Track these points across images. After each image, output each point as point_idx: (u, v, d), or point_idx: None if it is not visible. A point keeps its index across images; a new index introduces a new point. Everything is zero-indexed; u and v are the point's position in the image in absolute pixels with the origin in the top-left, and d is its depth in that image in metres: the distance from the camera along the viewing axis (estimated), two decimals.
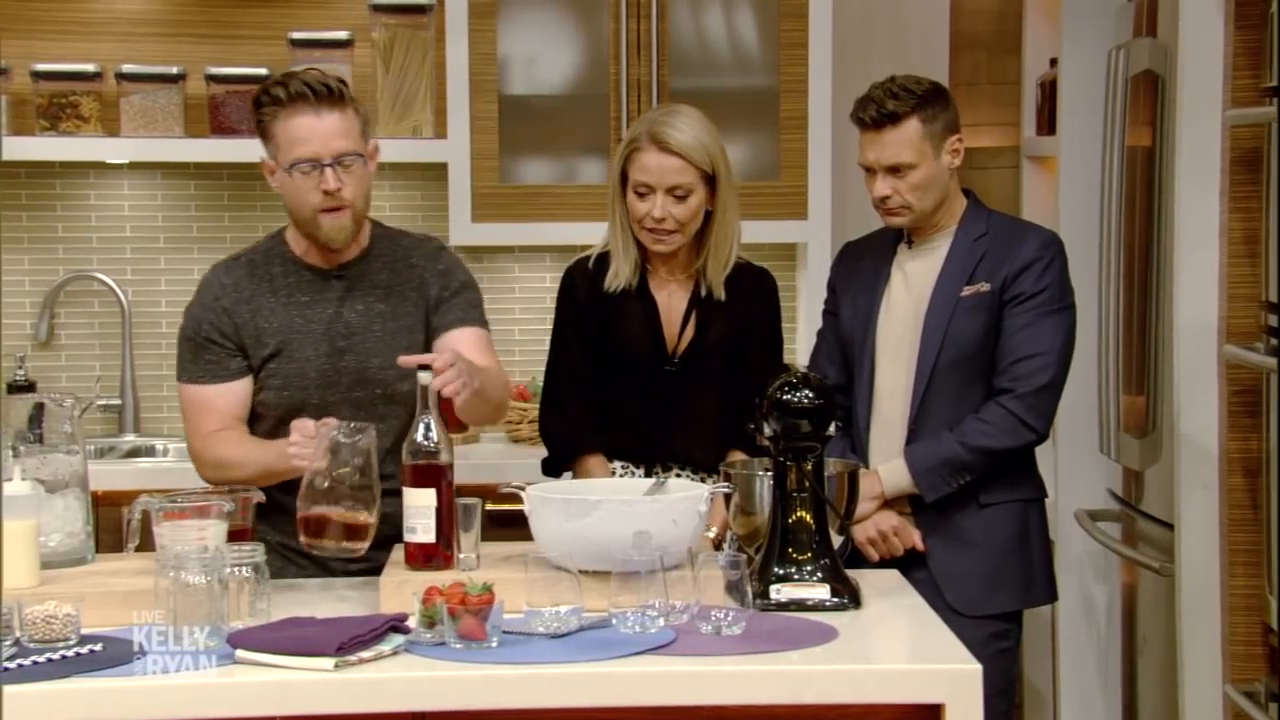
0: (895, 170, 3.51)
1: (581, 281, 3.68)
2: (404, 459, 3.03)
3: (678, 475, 3.64)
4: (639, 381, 3.65)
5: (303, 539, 3.01)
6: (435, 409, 3.04)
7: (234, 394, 3.34)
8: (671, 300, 3.67)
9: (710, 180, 3.61)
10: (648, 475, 3.63)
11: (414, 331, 3.39)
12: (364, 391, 3.36)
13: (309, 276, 3.38)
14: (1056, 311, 3.53)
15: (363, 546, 3.02)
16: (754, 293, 3.71)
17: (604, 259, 3.67)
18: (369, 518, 3.01)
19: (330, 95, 3.25)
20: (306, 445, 3.06)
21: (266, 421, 3.37)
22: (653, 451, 3.67)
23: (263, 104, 3.28)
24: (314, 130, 3.24)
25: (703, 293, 3.66)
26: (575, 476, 3.65)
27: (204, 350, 3.34)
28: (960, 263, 3.56)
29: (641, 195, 3.57)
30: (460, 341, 3.33)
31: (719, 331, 3.66)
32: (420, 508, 3.00)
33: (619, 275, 3.64)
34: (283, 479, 3.19)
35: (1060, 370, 3.54)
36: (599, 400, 3.66)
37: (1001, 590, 3.57)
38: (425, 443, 3.01)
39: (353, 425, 3.03)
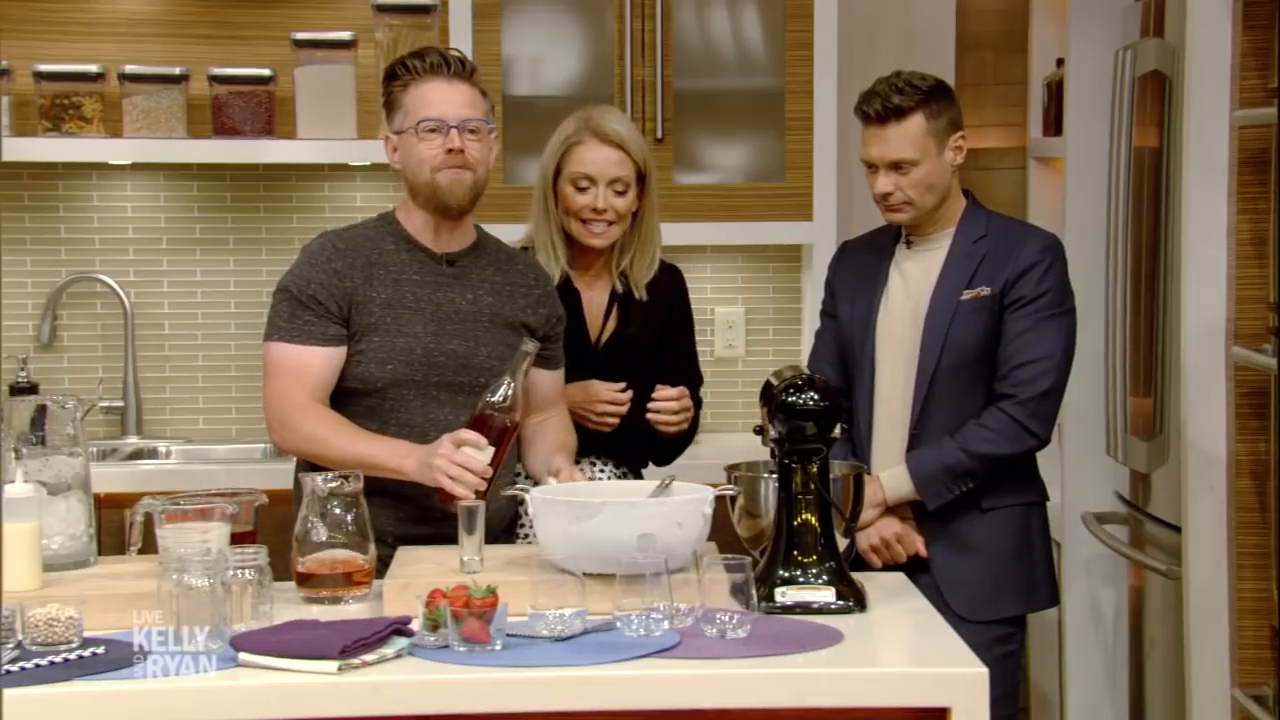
0: (897, 166, 3.50)
1: None
2: (476, 409, 3.19)
3: (596, 465, 3.72)
4: (566, 376, 3.66)
5: (302, 591, 3.00)
6: (523, 377, 3.23)
7: (326, 360, 3.30)
8: (593, 293, 3.73)
9: (640, 180, 3.66)
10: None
11: (516, 331, 3.41)
12: (467, 378, 3.36)
13: (421, 257, 3.39)
14: (1057, 315, 3.52)
15: (365, 591, 3.00)
16: (671, 290, 3.80)
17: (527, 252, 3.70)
18: (366, 563, 3.01)
19: (463, 69, 3.36)
20: (463, 474, 3.11)
21: (369, 398, 3.33)
22: (579, 442, 3.68)
23: (397, 75, 3.36)
24: (444, 95, 3.33)
25: (620, 290, 3.72)
26: None
27: (304, 309, 3.30)
28: (960, 265, 3.55)
29: (582, 189, 3.63)
30: (553, 383, 3.54)
31: (639, 326, 3.73)
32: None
33: (550, 272, 3.66)
34: (379, 475, 3.19)
35: (1061, 375, 3.53)
36: None
37: (1004, 594, 3.56)
38: (501, 400, 3.18)
39: (340, 473, 3.04)
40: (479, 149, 3.34)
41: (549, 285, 3.54)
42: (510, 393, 3.19)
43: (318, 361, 3.30)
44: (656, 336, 3.76)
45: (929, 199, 3.53)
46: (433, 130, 3.31)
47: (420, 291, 3.36)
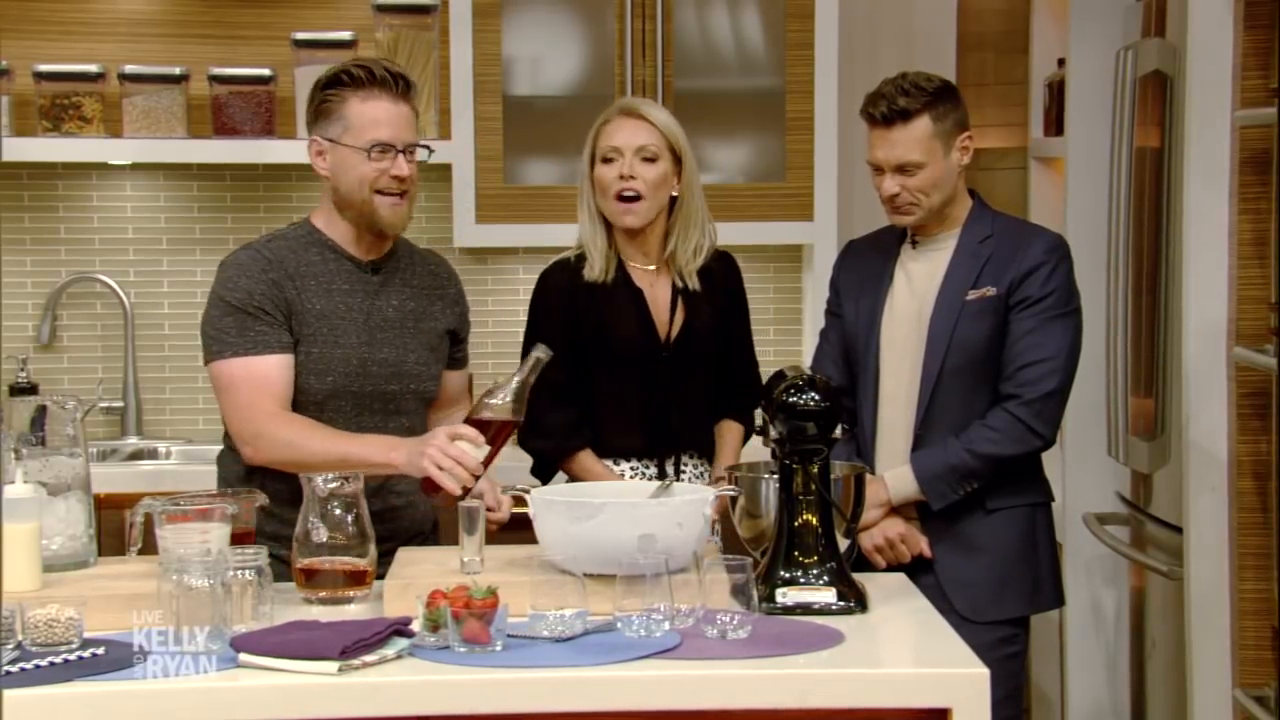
0: (904, 168, 3.49)
1: (560, 280, 3.67)
2: (474, 407, 3.14)
3: (688, 464, 3.69)
4: (638, 374, 3.66)
5: (302, 591, 3.00)
6: (525, 385, 3.15)
7: (284, 368, 3.28)
8: (656, 290, 3.69)
9: (676, 162, 3.62)
10: (660, 470, 3.66)
11: (439, 336, 3.44)
12: (399, 385, 3.37)
13: (348, 266, 3.37)
14: (1063, 316, 3.51)
15: (365, 591, 3.00)
16: (727, 277, 3.77)
17: (583, 257, 3.68)
18: (367, 564, 3.01)
19: (407, 88, 3.33)
20: (455, 468, 3.06)
21: (307, 410, 3.31)
22: (664, 444, 3.67)
23: (341, 83, 3.31)
24: (392, 115, 3.30)
25: (680, 284, 3.69)
26: (571, 478, 3.63)
27: (254, 321, 3.26)
28: (965, 265, 3.54)
29: (609, 161, 3.60)
30: (460, 381, 3.59)
31: (705, 317, 3.69)
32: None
33: (594, 266, 3.64)
34: (366, 472, 3.15)
35: (1067, 376, 3.51)
36: (581, 400, 3.65)
37: (1009, 596, 3.55)
38: (503, 402, 3.12)
39: (340, 474, 3.04)
40: (415, 174, 3.35)
41: (459, 284, 3.54)
42: (513, 396, 3.14)
43: (277, 370, 3.27)
44: (720, 326, 3.74)
45: (936, 200, 3.52)
46: (381, 152, 3.29)
47: (351, 300, 3.35)
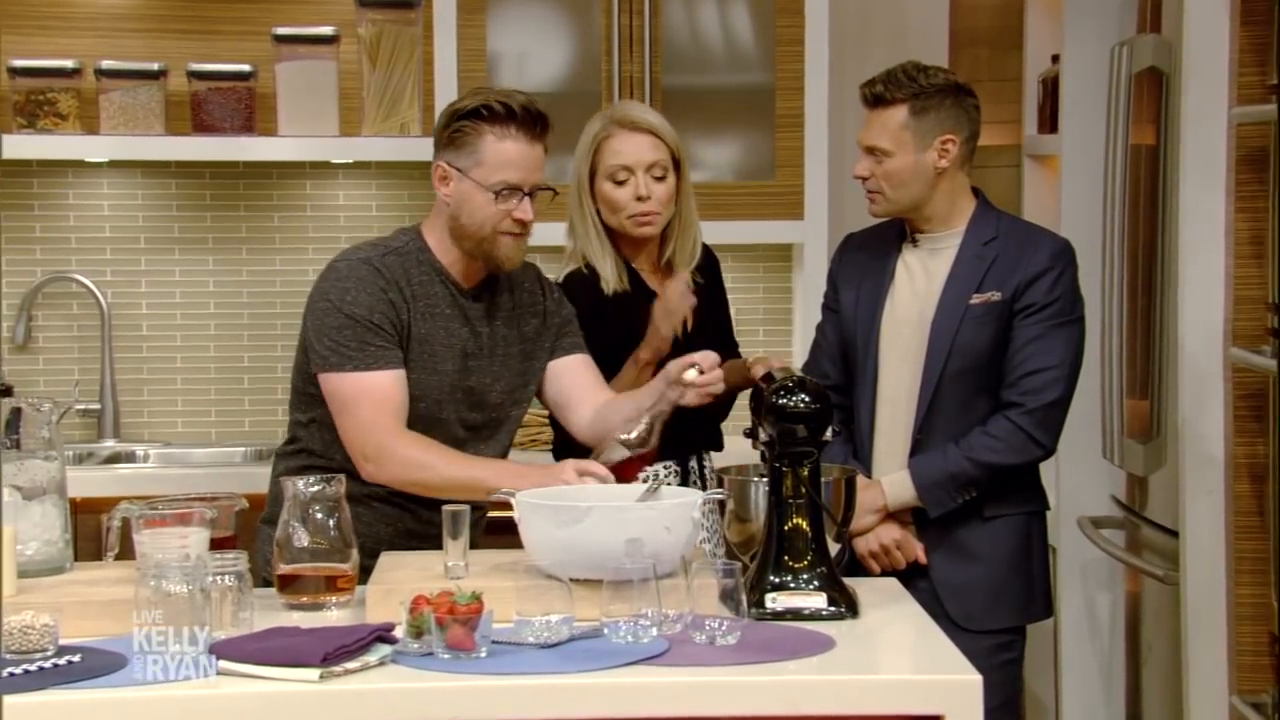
0: (872, 152, 3.49)
1: (582, 294, 3.62)
2: (602, 446, 3.14)
3: (708, 460, 3.70)
4: None
5: (282, 596, 2.96)
6: (660, 421, 3.16)
7: (401, 383, 3.23)
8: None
9: (675, 167, 3.63)
10: (684, 470, 3.62)
11: (531, 357, 3.41)
12: (481, 414, 3.35)
13: (452, 290, 3.34)
14: (1067, 324, 3.49)
15: (346, 598, 2.97)
16: (712, 270, 3.80)
17: (592, 267, 3.65)
18: (348, 569, 2.97)
19: (545, 129, 3.29)
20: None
21: None
22: (686, 443, 3.63)
23: (479, 115, 3.26)
24: (525, 158, 3.26)
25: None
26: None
27: (373, 335, 3.22)
28: (969, 267, 3.51)
29: (620, 182, 3.58)
30: (579, 366, 3.45)
31: (706, 313, 3.69)
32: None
33: (608, 280, 3.62)
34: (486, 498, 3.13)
35: (1069, 385, 3.49)
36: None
37: (1003, 604, 3.54)
38: (635, 439, 3.14)
39: (323, 476, 3.01)
40: (535, 211, 3.32)
41: (554, 291, 3.51)
42: (643, 433, 3.12)
43: (396, 387, 3.23)
44: (718, 320, 3.77)
45: (901, 194, 3.51)
46: (509, 194, 3.26)
47: (450, 326, 3.32)
